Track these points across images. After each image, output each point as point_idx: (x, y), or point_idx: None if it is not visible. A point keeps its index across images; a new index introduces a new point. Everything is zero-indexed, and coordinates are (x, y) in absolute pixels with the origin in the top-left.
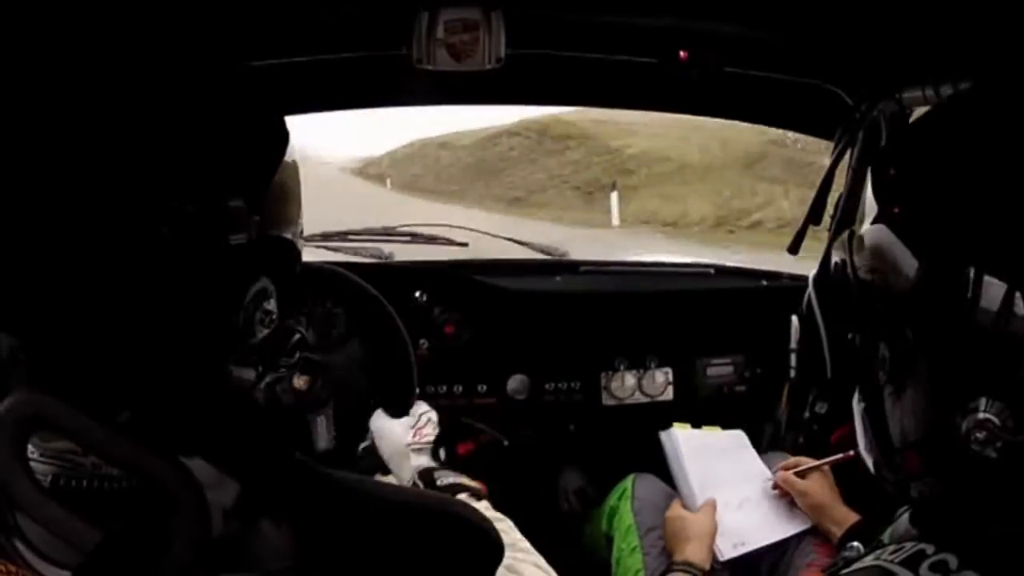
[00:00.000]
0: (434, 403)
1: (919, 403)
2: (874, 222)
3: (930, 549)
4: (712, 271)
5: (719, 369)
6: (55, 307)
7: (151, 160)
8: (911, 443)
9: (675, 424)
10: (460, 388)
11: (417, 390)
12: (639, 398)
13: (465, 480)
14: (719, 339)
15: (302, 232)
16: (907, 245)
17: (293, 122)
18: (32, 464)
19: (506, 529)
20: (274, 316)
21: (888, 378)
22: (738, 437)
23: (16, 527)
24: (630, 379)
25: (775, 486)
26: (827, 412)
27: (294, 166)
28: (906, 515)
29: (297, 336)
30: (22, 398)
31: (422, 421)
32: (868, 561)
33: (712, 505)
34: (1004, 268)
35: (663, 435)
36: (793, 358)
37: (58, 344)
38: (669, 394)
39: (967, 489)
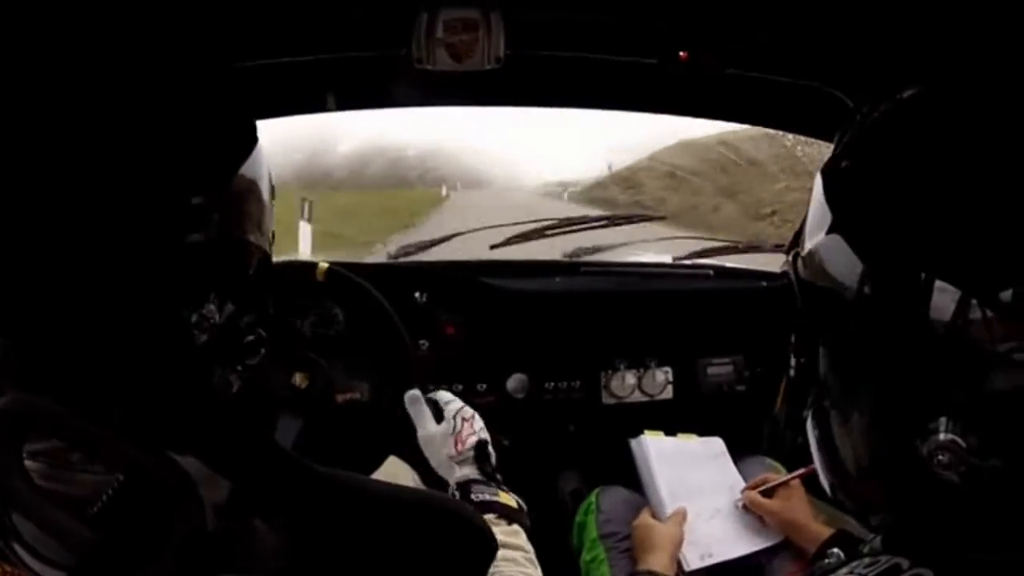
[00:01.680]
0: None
1: (872, 425)
2: (827, 233)
3: (905, 564)
4: (712, 272)
5: (719, 369)
6: (44, 308)
7: (123, 157)
8: (867, 470)
9: (646, 432)
10: (460, 387)
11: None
12: (639, 397)
13: (502, 498)
14: (719, 339)
15: (272, 234)
16: (856, 251)
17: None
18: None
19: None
20: (215, 319)
21: (837, 399)
22: (713, 444)
23: (12, 528)
24: (630, 378)
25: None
26: None
27: (261, 167)
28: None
29: (251, 338)
30: (15, 399)
31: (458, 425)
32: (842, 573)
33: (682, 515)
34: (959, 273)
35: (633, 442)
36: (792, 358)
37: (48, 345)
38: (669, 393)
39: (932, 518)
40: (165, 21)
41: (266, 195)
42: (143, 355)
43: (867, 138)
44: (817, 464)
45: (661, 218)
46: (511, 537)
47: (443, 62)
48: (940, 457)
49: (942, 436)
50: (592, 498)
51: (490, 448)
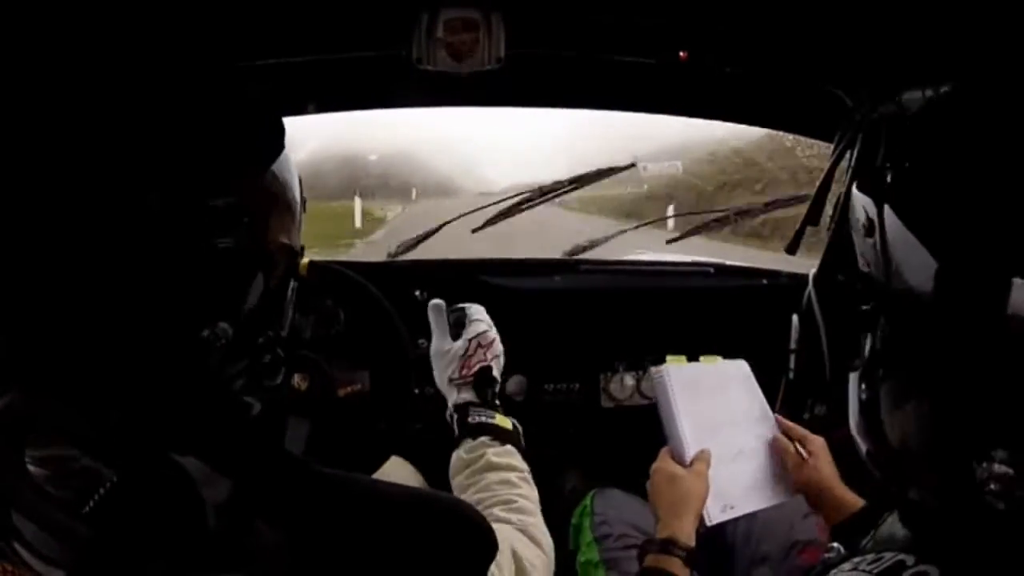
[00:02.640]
0: (433, 403)
1: (930, 430)
2: (900, 231)
3: (910, 560)
4: (712, 270)
5: None
6: (45, 308)
7: (140, 159)
8: (913, 456)
9: (669, 358)
10: None
11: (417, 390)
12: (638, 400)
13: (498, 420)
14: (719, 339)
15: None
16: (930, 249)
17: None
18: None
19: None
20: (227, 336)
21: (895, 385)
22: (739, 367)
23: (12, 527)
24: (629, 380)
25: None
26: (826, 414)
27: (289, 169)
28: (891, 519)
29: (269, 357)
30: (16, 399)
31: (471, 349)
32: (846, 569)
33: (706, 461)
34: None
35: (653, 371)
36: (792, 358)
37: (49, 345)
38: None
39: (970, 528)
40: (181, 24)
41: (294, 205)
42: (147, 355)
43: (929, 135)
44: (854, 425)
45: (631, 165)
46: (503, 458)
47: (443, 62)
48: (992, 486)
49: (997, 468)
50: (587, 501)
51: (495, 373)
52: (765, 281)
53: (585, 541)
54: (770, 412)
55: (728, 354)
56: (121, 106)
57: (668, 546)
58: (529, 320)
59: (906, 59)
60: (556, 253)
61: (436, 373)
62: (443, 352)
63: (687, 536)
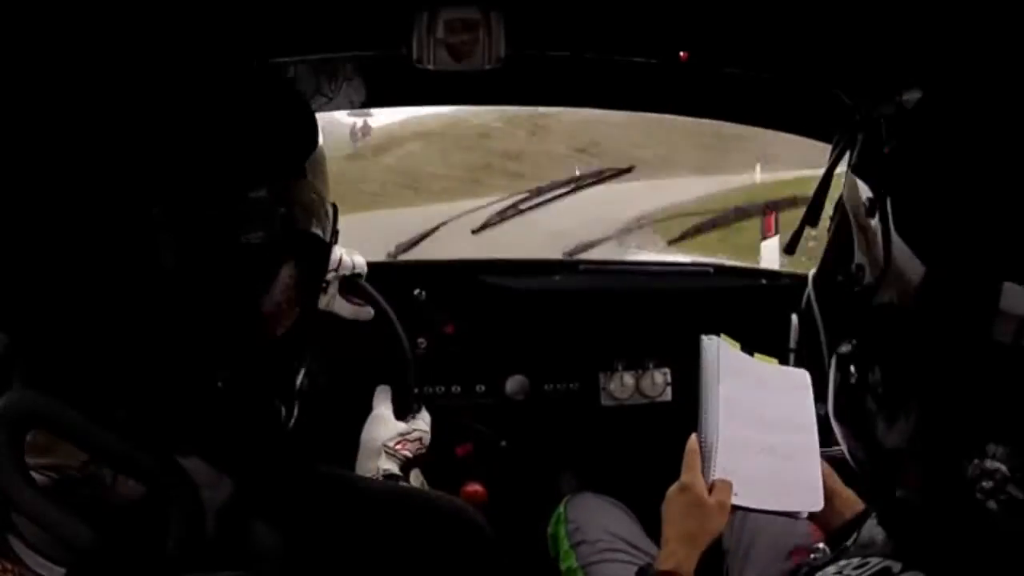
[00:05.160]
0: (432, 403)
1: (919, 428)
2: (883, 227)
3: (897, 567)
4: (711, 270)
5: None
6: (51, 305)
7: (155, 157)
8: (902, 458)
9: (723, 336)
10: (458, 388)
11: (416, 389)
12: (638, 399)
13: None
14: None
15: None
16: (917, 253)
17: None
18: None
19: None
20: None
21: (884, 386)
22: (795, 376)
23: (12, 525)
24: (629, 380)
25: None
26: (826, 414)
27: (323, 163)
28: (870, 521)
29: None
30: (18, 396)
31: (413, 436)
32: (830, 573)
33: (729, 489)
34: None
35: (705, 339)
36: (792, 358)
37: (54, 342)
38: (668, 395)
39: (957, 529)
40: (190, 22)
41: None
42: (152, 355)
43: (923, 139)
44: (834, 416)
45: (629, 169)
46: None
47: (443, 61)
48: (984, 483)
49: (989, 464)
50: (561, 508)
51: (411, 471)
52: (765, 281)
53: (563, 549)
54: (814, 425)
55: None
56: (152, 101)
57: None
58: (529, 320)
59: (906, 59)
60: (556, 253)
61: (366, 432)
62: (385, 419)
63: (689, 571)
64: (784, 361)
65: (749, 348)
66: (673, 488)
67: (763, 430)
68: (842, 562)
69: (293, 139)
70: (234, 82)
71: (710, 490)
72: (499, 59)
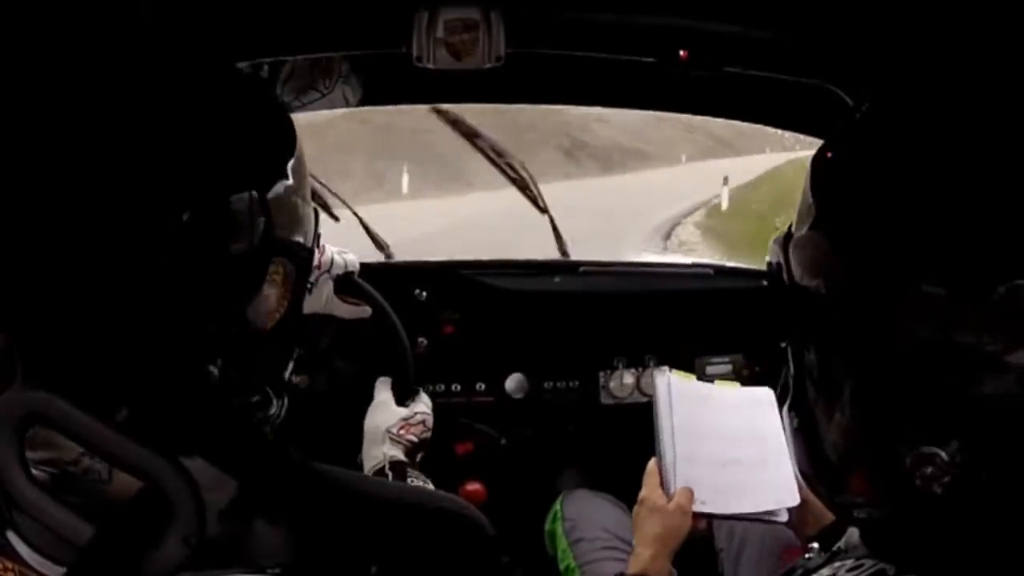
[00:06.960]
0: (432, 402)
1: (854, 428)
2: (812, 227)
3: (891, 570)
4: (711, 271)
5: (718, 368)
6: (54, 304)
7: (151, 160)
8: (850, 465)
9: (674, 371)
10: (458, 387)
11: (416, 389)
12: (638, 398)
13: (431, 487)
14: (718, 338)
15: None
16: (837, 248)
17: None
18: None
19: None
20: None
21: (820, 394)
22: (758, 393)
23: (13, 523)
24: (629, 378)
25: None
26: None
27: (303, 167)
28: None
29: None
30: (19, 394)
31: (415, 419)
32: (824, 574)
33: (690, 494)
34: (946, 270)
35: (656, 374)
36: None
37: (56, 341)
38: None
39: (916, 526)
40: (183, 23)
41: (308, 203)
42: (152, 354)
43: (854, 133)
44: (794, 454)
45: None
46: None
47: (443, 60)
48: (924, 469)
49: (926, 450)
50: (557, 506)
51: (418, 454)
52: (765, 282)
53: (560, 547)
54: (781, 432)
55: (727, 353)
56: (135, 106)
57: None
58: (528, 320)
59: (907, 56)
60: (555, 253)
61: (369, 419)
62: (386, 405)
63: (657, 570)
64: (780, 361)
65: (747, 350)
66: (636, 505)
67: (725, 445)
68: (836, 563)
69: (274, 142)
70: (213, 85)
71: (670, 499)
72: (499, 58)
